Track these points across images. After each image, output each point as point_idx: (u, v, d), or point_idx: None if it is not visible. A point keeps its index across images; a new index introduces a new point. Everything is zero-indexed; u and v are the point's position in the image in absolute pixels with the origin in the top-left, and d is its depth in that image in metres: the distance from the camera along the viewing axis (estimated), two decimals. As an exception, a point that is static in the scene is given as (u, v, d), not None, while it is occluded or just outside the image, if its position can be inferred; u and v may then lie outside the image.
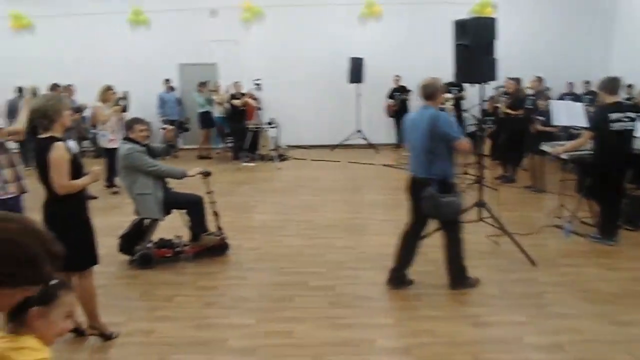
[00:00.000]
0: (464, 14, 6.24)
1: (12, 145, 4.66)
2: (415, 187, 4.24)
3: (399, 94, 11.83)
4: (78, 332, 3.74)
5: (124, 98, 9.23)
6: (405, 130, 4.45)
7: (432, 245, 4.69)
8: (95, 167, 3.69)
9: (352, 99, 11.94)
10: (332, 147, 12.14)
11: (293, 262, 5.11)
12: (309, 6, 12.17)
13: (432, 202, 4.07)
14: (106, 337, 3.73)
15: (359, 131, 12.00)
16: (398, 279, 4.42)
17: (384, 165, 10.14)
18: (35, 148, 3.60)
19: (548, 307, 4.04)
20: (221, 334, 3.76)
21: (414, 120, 4.32)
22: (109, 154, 7.73)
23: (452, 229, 4.29)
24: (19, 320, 1.55)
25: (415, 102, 11.57)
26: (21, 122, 4.68)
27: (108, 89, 8.27)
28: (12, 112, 9.21)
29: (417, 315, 3.95)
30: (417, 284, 4.48)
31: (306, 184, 8.69)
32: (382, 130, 12.32)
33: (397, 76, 11.89)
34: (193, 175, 5.14)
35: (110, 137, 8.04)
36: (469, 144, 4.34)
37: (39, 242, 1.41)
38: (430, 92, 4.21)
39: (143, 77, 12.30)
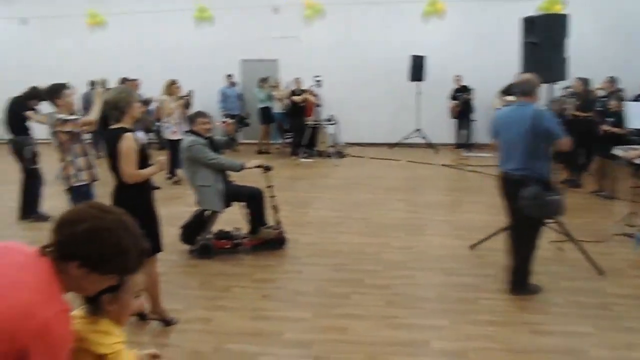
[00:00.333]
0: (531, 11, 6.01)
1: (86, 135, 4.90)
2: (511, 186, 4.08)
3: (461, 94, 11.56)
4: (141, 316, 3.90)
5: (188, 95, 9.53)
6: (497, 127, 4.29)
7: (493, 248, 4.56)
8: (161, 158, 3.82)
9: (412, 98, 11.77)
10: (391, 145, 12.04)
11: (349, 259, 5.10)
12: (370, 4, 12.13)
13: (536, 202, 3.88)
14: (167, 322, 3.86)
15: (418, 130, 11.83)
16: (518, 284, 4.22)
17: (444, 165, 9.96)
18: (106, 138, 3.76)
19: (617, 320, 3.84)
20: (277, 327, 3.80)
21: (508, 117, 4.18)
22: (172, 146, 7.99)
23: (531, 231, 4.11)
24: (94, 304, 1.63)
25: (479, 102, 11.37)
26: (94, 114, 4.93)
27: (172, 82, 8.55)
28: (87, 104, 9.70)
29: (475, 319, 3.86)
30: (475, 287, 4.38)
31: (364, 182, 8.66)
32: (442, 130, 12.06)
33: (458, 76, 11.61)
34: (251, 168, 5.21)
35: (173, 129, 8.32)
36: (571, 142, 4.15)
37: (132, 236, 1.52)
38: (528, 88, 4.08)
39: (206, 72, 12.65)
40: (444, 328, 3.76)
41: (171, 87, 8.49)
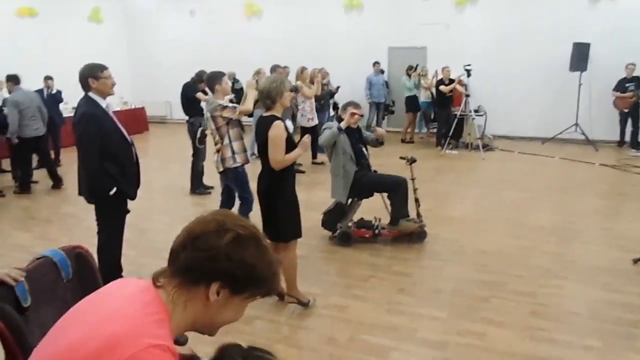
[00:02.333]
0: None
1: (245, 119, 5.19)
2: None
3: (633, 84, 10.30)
4: (280, 297, 4.09)
5: (335, 90, 9.86)
6: None
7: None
8: (305, 139, 3.92)
9: (571, 89, 10.78)
10: (544, 140, 11.18)
11: (493, 260, 4.85)
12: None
13: None
14: (303, 304, 4.00)
15: (576, 125, 10.81)
16: None
17: (603, 165, 9.00)
18: (257, 125, 3.97)
19: None
20: (411, 323, 3.75)
21: None
22: (308, 132, 8.25)
23: None
24: None
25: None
26: (248, 103, 5.25)
27: (304, 69, 8.71)
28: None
29: (636, 347, 3.43)
30: (639, 309, 3.91)
31: (512, 178, 8.17)
32: (604, 126, 10.87)
33: (632, 64, 10.34)
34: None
35: (309, 116, 8.60)
36: None
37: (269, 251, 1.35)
38: None
39: (354, 60, 12.81)
40: (597, 350, 3.40)
41: (303, 74, 8.64)
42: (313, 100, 8.82)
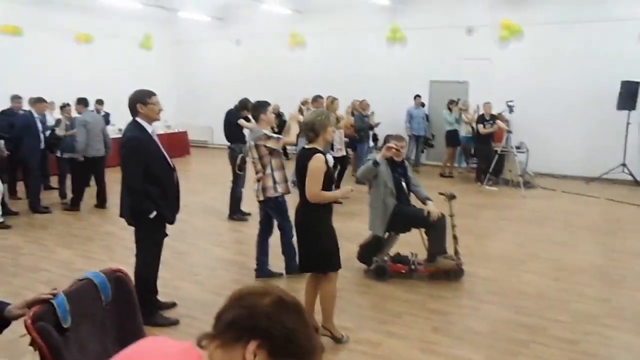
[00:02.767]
0: None
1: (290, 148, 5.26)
2: None
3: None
4: (314, 330, 4.03)
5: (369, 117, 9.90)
6: None
7: None
8: (348, 187, 3.95)
9: (618, 128, 10.44)
10: (588, 180, 10.84)
11: (533, 302, 4.68)
12: (576, 23, 11.08)
13: None
14: (337, 339, 3.94)
15: (623, 165, 10.47)
16: None
17: (654, 208, 8.65)
18: (298, 156, 4.00)
19: None
20: (447, 364, 3.64)
21: None
22: (336, 162, 8.31)
23: None
24: None
25: None
26: (292, 135, 5.33)
27: (334, 99, 8.73)
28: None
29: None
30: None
31: (554, 217, 7.93)
32: (654, 167, 10.51)
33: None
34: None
35: (337, 147, 8.65)
36: None
37: (312, 335, 1.31)
38: None
39: (395, 92, 12.85)
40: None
41: (333, 105, 8.66)
42: (342, 131, 8.88)
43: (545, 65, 11.48)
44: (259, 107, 5.29)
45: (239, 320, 1.23)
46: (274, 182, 5.05)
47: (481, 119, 10.38)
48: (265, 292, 1.26)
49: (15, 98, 8.91)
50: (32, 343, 1.74)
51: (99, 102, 10.64)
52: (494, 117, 10.32)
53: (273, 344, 1.21)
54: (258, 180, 5.10)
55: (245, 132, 7.36)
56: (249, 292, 1.27)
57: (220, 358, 1.24)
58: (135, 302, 2.15)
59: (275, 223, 5.30)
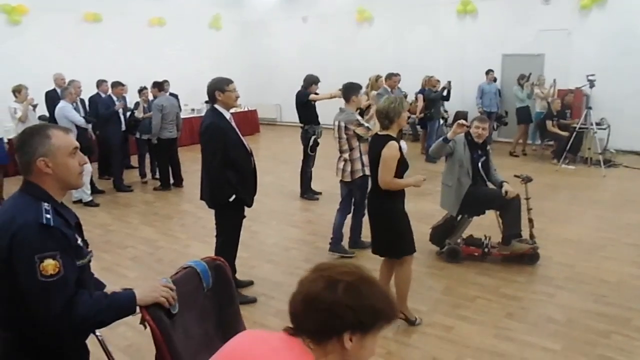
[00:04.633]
0: None
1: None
2: None
3: None
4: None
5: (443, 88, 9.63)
6: None
7: None
8: (421, 176, 3.93)
9: None
10: (677, 157, 10.18)
11: (614, 291, 4.51)
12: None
13: None
14: (410, 322, 4.00)
15: None
16: None
17: None
18: (371, 143, 4.03)
19: None
20: (521, 352, 3.61)
21: None
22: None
23: None
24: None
25: None
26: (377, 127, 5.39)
27: (378, 77, 8.50)
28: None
29: None
30: None
31: (638, 199, 7.52)
32: None
33: None
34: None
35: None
36: None
37: (383, 293, 1.41)
38: None
39: (465, 66, 12.48)
40: None
41: (377, 82, 8.38)
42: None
43: (630, 33, 10.71)
44: (351, 89, 5.42)
45: (325, 324, 1.31)
46: (362, 164, 5.19)
47: (549, 115, 10.02)
48: (331, 284, 1.31)
49: (102, 82, 9.35)
50: (142, 321, 1.93)
51: (165, 82, 10.61)
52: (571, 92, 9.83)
53: (362, 325, 1.31)
54: (344, 161, 5.25)
55: (319, 111, 7.47)
56: (317, 291, 1.32)
57: (317, 352, 1.33)
58: (233, 289, 2.32)
59: (355, 200, 5.49)
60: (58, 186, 1.91)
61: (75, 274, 1.85)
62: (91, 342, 2.27)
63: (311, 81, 7.47)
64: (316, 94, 7.41)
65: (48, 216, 1.78)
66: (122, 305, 1.90)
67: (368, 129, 5.19)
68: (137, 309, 1.90)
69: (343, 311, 1.29)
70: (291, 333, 1.37)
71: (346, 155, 5.24)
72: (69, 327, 1.78)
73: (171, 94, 10.21)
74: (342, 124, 5.22)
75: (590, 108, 9.51)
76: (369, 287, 1.34)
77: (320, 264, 1.43)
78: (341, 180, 5.39)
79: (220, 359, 1.43)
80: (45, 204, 1.82)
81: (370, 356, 1.40)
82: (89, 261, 2.00)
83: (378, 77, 8.43)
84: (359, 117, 5.31)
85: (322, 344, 1.33)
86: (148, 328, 1.91)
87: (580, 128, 9.60)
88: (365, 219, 4.40)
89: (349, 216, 5.57)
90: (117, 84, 8.78)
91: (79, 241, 1.93)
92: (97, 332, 2.24)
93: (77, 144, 1.96)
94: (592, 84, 9.31)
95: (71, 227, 1.91)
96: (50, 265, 1.73)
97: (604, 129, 9.95)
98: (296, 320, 1.36)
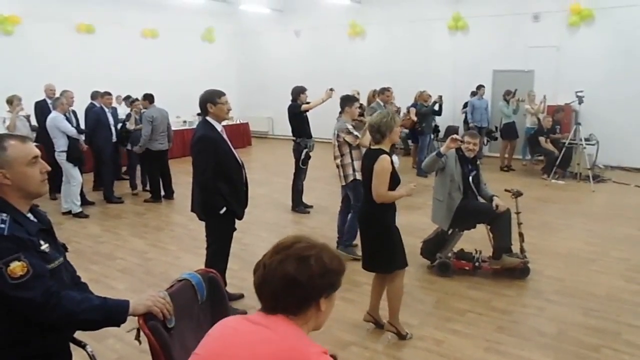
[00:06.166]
0: None
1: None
2: None
3: None
4: (378, 325, 4.11)
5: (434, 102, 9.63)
6: None
7: None
8: (412, 184, 3.96)
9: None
10: (665, 173, 10.29)
11: (604, 305, 4.53)
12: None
13: None
14: (401, 336, 3.98)
15: None
16: None
17: None
18: (363, 157, 4.06)
19: None
20: (512, 365, 3.62)
21: None
22: None
23: None
24: None
25: None
26: (366, 139, 5.47)
27: (375, 92, 8.53)
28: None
29: None
30: None
31: (627, 214, 7.56)
32: None
33: None
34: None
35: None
36: None
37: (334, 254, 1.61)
38: None
39: (456, 82, 12.59)
40: None
41: (374, 98, 8.41)
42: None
43: (618, 50, 10.89)
44: (347, 100, 5.84)
45: (306, 297, 1.49)
46: (353, 170, 5.50)
47: (541, 131, 10.18)
48: (301, 259, 1.48)
49: (95, 93, 9.26)
50: (137, 337, 1.93)
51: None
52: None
53: (332, 286, 1.53)
54: (337, 167, 5.65)
55: (312, 124, 7.57)
56: (294, 271, 1.46)
57: (299, 321, 1.49)
58: (227, 301, 2.31)
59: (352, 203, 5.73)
60: (19, 195, 1.95)
61: (47, 271, 1.88)
62: (81, 355, 2.25)
63: (298, 91, 7.48)
64: (307, 102, 7.44)
65: (2, 226, 1.82)
66: (113, 308, 1.92)
67: (357, 137, 5.47)
68: (129, 320, 1.89)
69: (319, 281, 1.48)
70: (269, 312, 1.50)
71: (338, 161, 5.61)
72: (57, 318, 1.84)
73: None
74: (335, 132, 5.57)
75: (579, 124, 9.63)
76: (327, 253, 1.54)
77: (278, 245, 1.56)
78: (341, 185, 5.78)
79: (209, 344, 1.52)
80: (4, 214, 1.86)
81: (333, 307, 1.60)
82: (60, 265, 2.03)
83: (375, 92, 8.57)
84: (350, 126, 5.57)
85: (302, 313, 1.50)
86: (142, 342, 1.89)
87: (569, 143, 9.70)
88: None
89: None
90: (105, 94, 8.79)
91: (44, 247, 1.95)
92: (88, 346, 2.23)
93: (36, 152, 1.99)
94: (580, 100, 9.43)
95: (33, 234, 1.93)
96: (17, 267, 1.78)
97: (593, 144, 10.05)
98: (274, 300, 1.49)
